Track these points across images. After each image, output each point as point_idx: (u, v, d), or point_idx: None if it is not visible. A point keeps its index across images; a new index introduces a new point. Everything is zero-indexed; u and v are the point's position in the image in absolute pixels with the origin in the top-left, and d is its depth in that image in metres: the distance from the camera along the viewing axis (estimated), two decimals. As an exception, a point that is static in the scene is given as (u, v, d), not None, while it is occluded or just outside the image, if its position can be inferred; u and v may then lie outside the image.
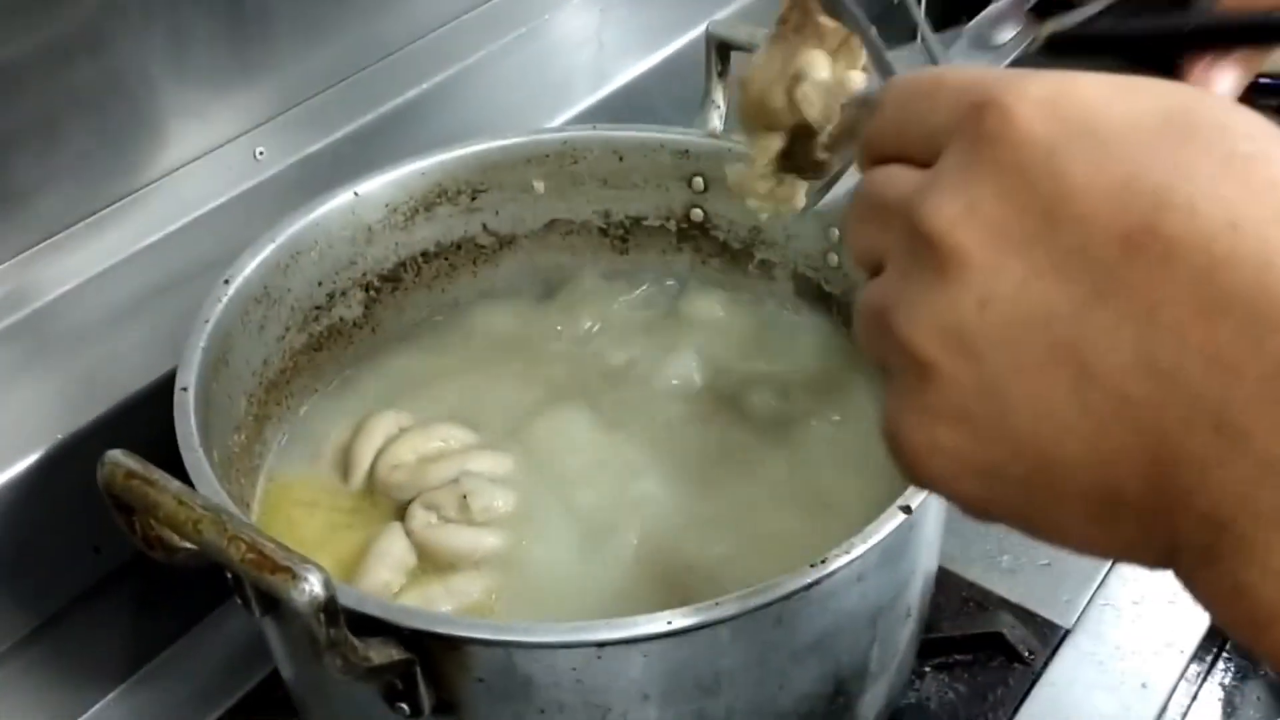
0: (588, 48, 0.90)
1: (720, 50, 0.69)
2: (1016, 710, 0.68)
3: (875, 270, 0.33)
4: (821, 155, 0.48)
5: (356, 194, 0.67)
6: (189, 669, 0.72)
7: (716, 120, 0.70)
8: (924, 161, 0.32)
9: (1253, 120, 0.29)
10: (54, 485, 0.63)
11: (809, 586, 0.48)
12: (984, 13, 0.49)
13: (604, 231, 0.74)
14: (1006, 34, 0.48)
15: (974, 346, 0.30)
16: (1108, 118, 0.29)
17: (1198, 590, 0.29)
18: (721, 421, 0.68)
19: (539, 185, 0.71)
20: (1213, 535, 0.27)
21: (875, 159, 0.34)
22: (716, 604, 0.47)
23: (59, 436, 0.63)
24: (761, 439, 0.67)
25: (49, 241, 0.67)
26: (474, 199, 0.71)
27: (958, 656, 0.70)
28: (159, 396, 0.61)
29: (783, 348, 0.72)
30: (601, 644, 0.47)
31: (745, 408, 0.69)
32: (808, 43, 0.48)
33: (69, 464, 0.63)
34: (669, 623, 0.46)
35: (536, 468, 0.65)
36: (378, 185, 0.68)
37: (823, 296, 0.71)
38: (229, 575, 0.51)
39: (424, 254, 0.72)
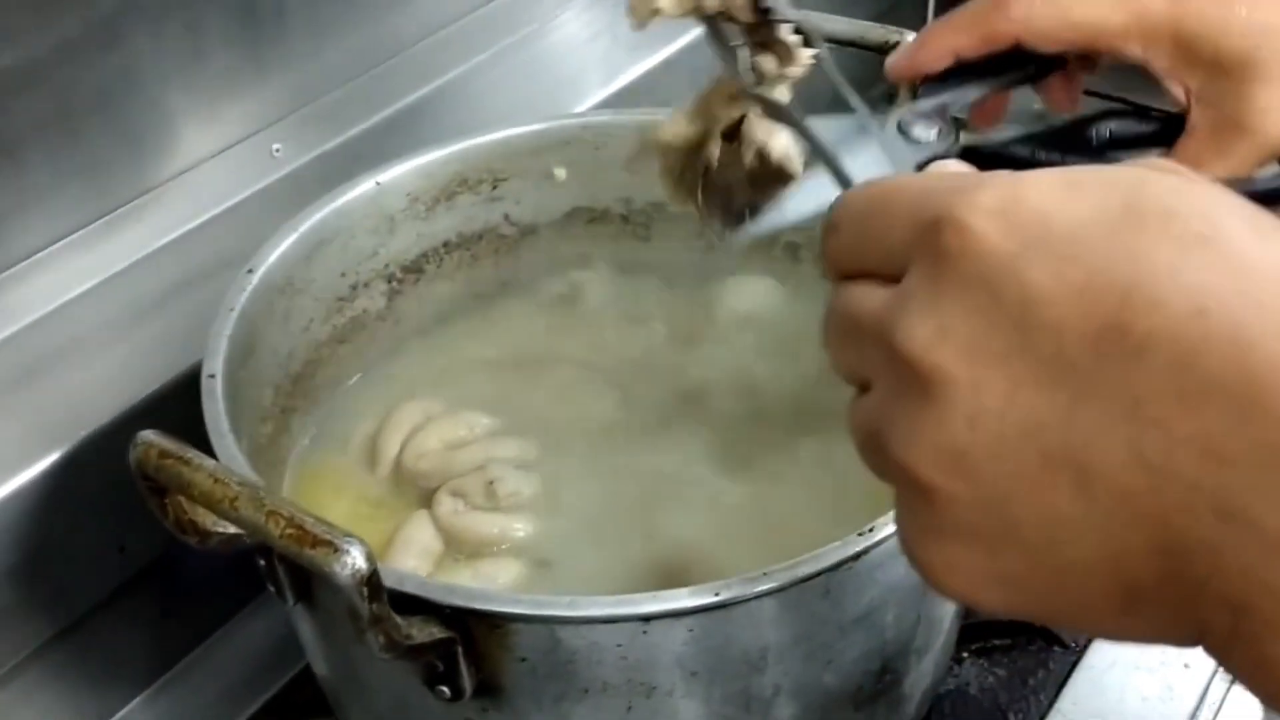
0: (601, 41, 0.89)
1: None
2: (1058, 694, 0.67)
3: (862, 386, 0.33)
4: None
5: (378, 183, 0.67)
6: (215, 672, 0.71)
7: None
8: (889, 277, 0.32)
9: (1202, 196, 0.29)
10: (78, 483, 0.62)
11: (856, 556, 0.47)
12: (908, 108, 0.51)
13: (626, 219, 0.73)
14: (928, 133, 0.50)
15: (970, 464, 0.30)
16: (1060, 220, 0.29)
17: (1230, 667, 0.29)
18: (748, 408, 0.67)
19: (560, 172, 0.71)
20: (1234, 616, 0.28)
21: (841, 276, 0.34)
22: (764, 574, 0.46)
23: (82, 434, 0.63)
24: (790, 427, 0.66)
25: (67, 240, 0.66)
26: (495, 187, 0.71)
27: (996, 641, 0.69)
28: (182, 392, 0.60)
29: (809, 332, 0.71)
30: (647, 617, 0.46)
31: (772, 394, 0.68)
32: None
33: (93, 462, 0.62)
34: (716, 594, 0.45)
35: (562, 454, 0.64)
36: (399, 174, 0.68)
37: (850, 277, 0.70)
38: (261, 562, 0.50)
39: (446, 244, 0.71)
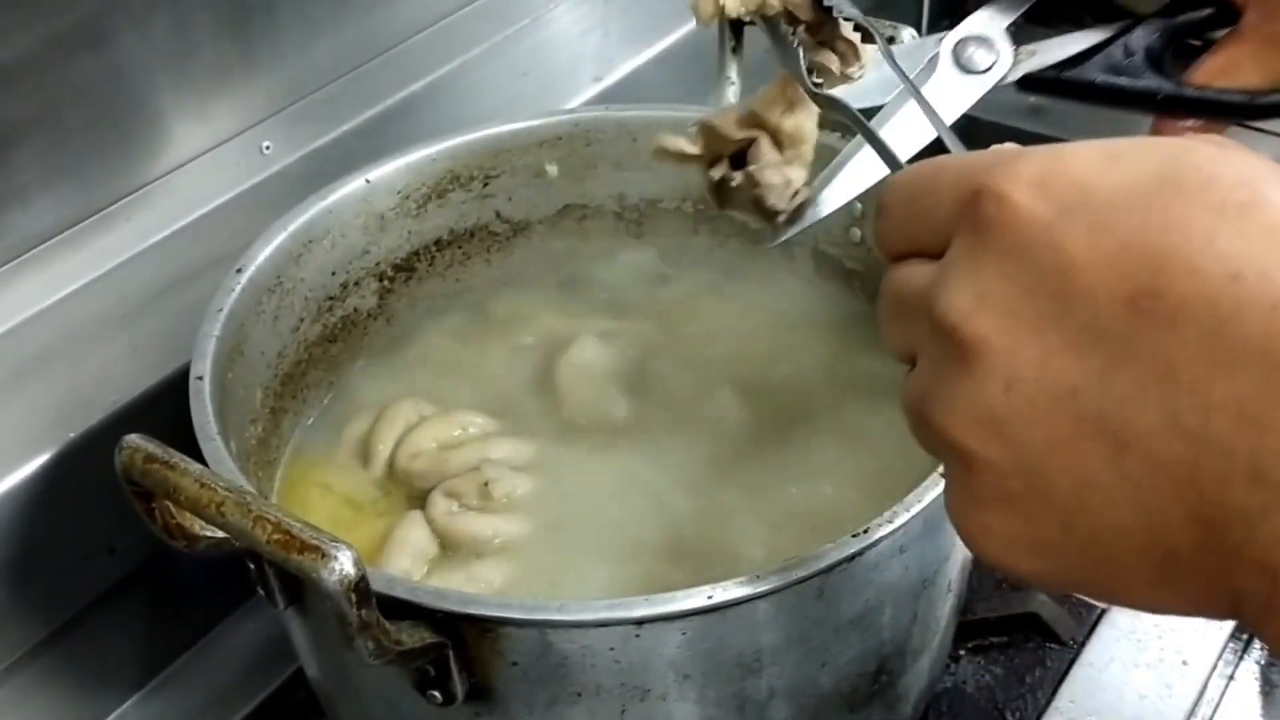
0: (593, 36, 0.89)
1: (734, 26, 0.68)
2: (1055, 691, 0.66)
3: (911, 363, 0.34)
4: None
5: (368, 181, 0.66)
6: (208, 674, 0.70)
7: (731, 97, 0.69)
8: (936, 253, 0.33)
9: (1243, 165, 0.29)
10: (67, 486, 0.62)
11: (851, 558, 0.47)
12: (962, 26, 0.50)
13: (619, 215, 0.73)
14: (986, 60, 0.49)
15: (1006, 430, 0.30)
16: (1099, 189, 0.29)
17: (1266, 636, 0.29)
18: (745, 405, 0.67)
19: (552, 169, 0.70)
20: (1270, 584, 0.27)
21: (891, 257, 0.35)
22: (757, 577, 0.46)
23: (71, 435, 0.62)
24: (786, 422, 0.66)
25: (55, 240, 0.65)
26: (486, 185, 0.70)
27: (993, 639, 0.69)
28: (171, 394, 0.60)
29: (806, 327, 0.70)
30: (640, 621, 0.45)
31: (768, 390, 0.68)
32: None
33: (81, 464, 0.62)
34: (709, 597, 0.45)
35: (558, 454, 0.64)
36: (389, 171, 0.67)
37: (845, 274, 0.70)
38: (251, 566, 0.50)
39: (437, 242, 0.70)
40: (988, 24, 0.51)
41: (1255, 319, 0.27)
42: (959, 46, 0.50)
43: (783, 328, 0.71)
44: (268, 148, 0.73)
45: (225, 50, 0.70)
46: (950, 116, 0.49)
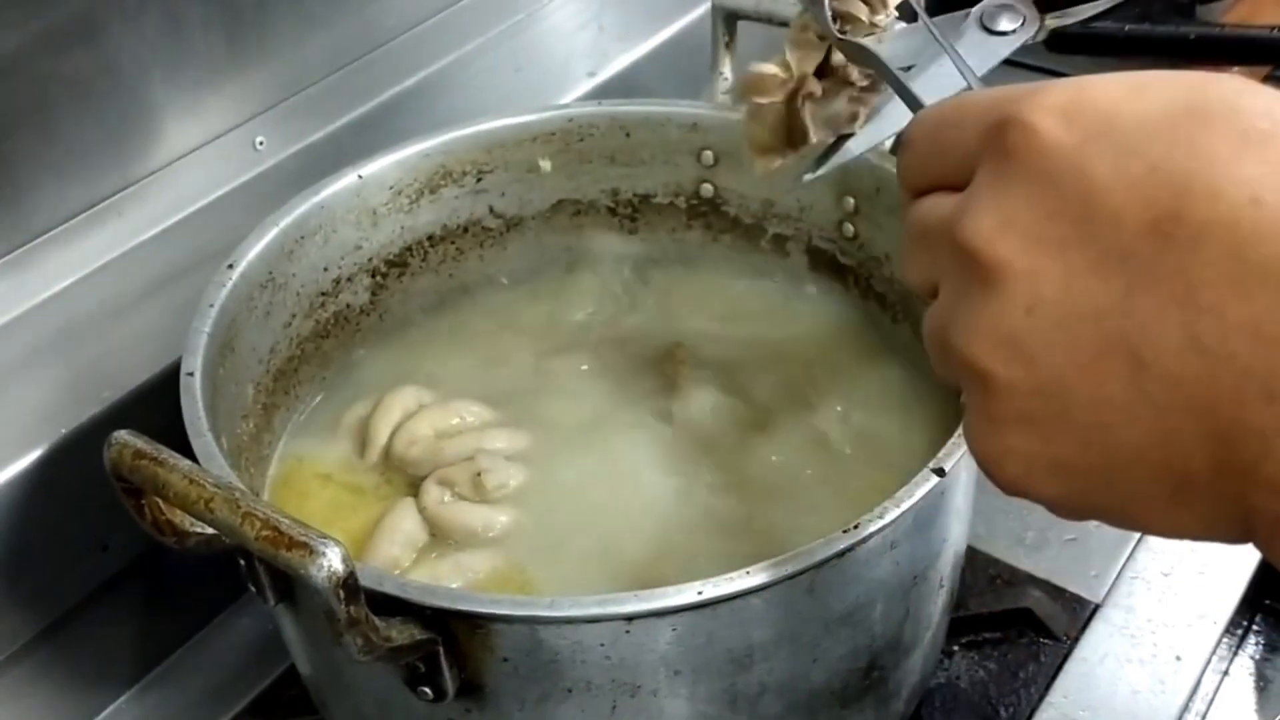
0: (588, 31, 0.89)
1: (727, 21, 0.68)
2: (1049, 687, 0.66)
3: (934, 294, 0.35)
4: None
5: (360, 176, 0.66)
6: (201, 670, 0.70)
7: (722, 92, 0.69)
8: (960, 186, 0.33)
9: (1267, 97, 0.30)
10: (59, 481, 0.62)
11: (842, 553, 0.47)
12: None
13: (612, 211, 0.73)
14: (1011, 23, 0.49)
15: (1027, 351, 0.31)
16: (1123, 116, 0.30)
17: (1275, 554, 0.30)
18: (737, 401, 0.67)
19: (545, 164, 0.70)
20: None
21: (915, 192, 0.36)
22: (747, 573, 0.45)
23: (63, 431, 0.62)
24: (779, 418, 0.66)
25: (48, 235, 0.66)
26: (479, 180, 0.70)
27: (987, 634, 0.69)
28: (163, 389, 0.59)
29: (798, 323, 0.70)
30: (630, 617, 0.45)
31: (760, 386, 0.68)
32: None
33: (74, 459, 0.62)
34: (699, 593, 0.45)
35: (551, 446, 0.64)
36: (381, 166, 0.67)
37: (838, 269, 0.70)
38: (241, 562, 0.50)
39: (430, 237, 0.70)
40: None
41: (1274, 242, 0.28)
42: (986, 14, 0.50)
43: (775, 323, 0.71)
44: (261, 143, 0.73)
45: (219, 45, 0.70)
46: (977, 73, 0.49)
